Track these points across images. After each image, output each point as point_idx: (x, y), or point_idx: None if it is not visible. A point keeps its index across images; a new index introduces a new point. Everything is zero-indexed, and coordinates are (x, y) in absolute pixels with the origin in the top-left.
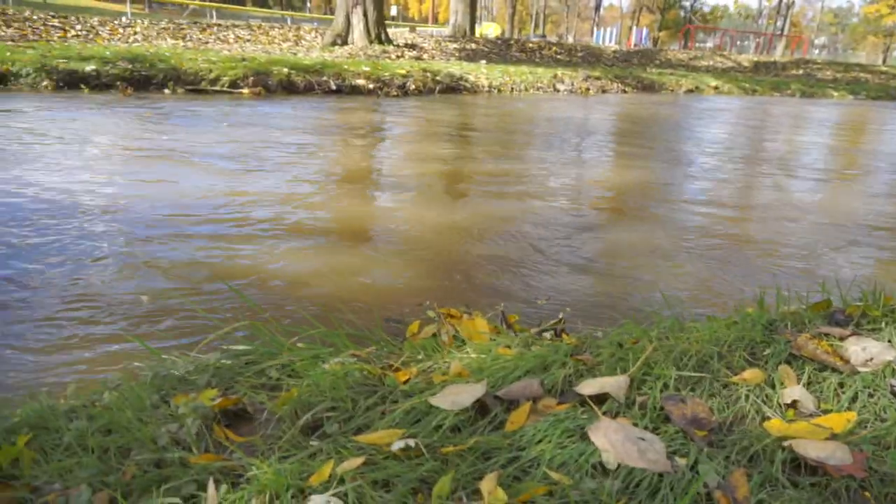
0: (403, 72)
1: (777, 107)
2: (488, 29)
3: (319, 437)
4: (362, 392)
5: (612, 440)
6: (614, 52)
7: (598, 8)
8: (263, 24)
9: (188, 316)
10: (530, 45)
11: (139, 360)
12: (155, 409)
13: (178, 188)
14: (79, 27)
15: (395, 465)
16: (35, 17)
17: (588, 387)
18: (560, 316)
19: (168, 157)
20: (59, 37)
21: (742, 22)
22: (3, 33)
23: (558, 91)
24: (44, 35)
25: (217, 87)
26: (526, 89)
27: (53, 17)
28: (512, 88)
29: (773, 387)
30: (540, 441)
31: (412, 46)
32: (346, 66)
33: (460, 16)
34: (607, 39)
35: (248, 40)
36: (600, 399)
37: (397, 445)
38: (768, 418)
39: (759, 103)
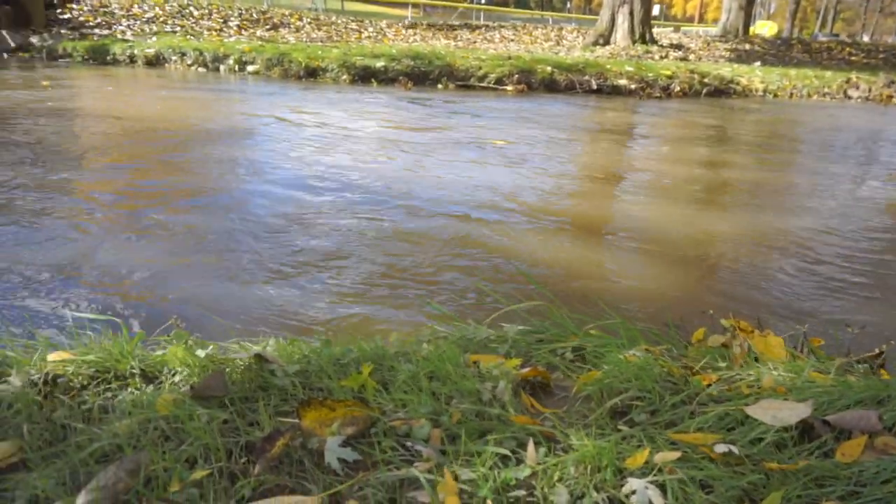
0: (668, 73)
1: None
2: (763, 28)
3: (627, 423)
4: (666, 388)
5: None
6: None
7: None
8: (527, 24)
9: (466, 289)
10: (816, 45)
11: (436, 320)
12: (466, 366)
13: (453, 175)
14: (371, 29)
15: (714, 469)
16: (339, 22)
17: None
18: (880, 349)
19: (454, 146)
20: (356, 38)
21: None
22: (315, 35)
23: (850, 98)
24: (344, 36)
25: (484, 84)
26: (808, 95)
27: (352, 20)
28: (791, 93)
29: None
30: (886, 482)
31: (677, 47)
32: (608, 66)
33: (733, 14)
34: None
35: (512, 40)
36: None
37: (720, 449)
38: None
39: None
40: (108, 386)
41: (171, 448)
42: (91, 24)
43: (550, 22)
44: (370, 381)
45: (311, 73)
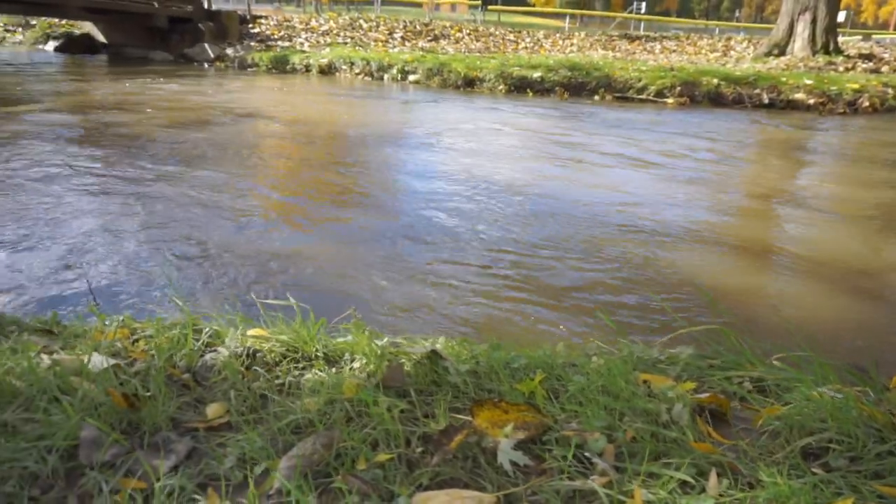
0: (856, 86)
1: None
2: None
3: (822, 466)
4: (869, 434)
5: None
6: None
7: None
8: (691, 34)
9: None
10: None
11: (602, 334)
12: (636, 384)
13: (618, 188)
14: (528, 40)
15: None
16: (497, 33)
17: None
18: None
19: (616, 159)
20: (513, 49)
21: None
22: (473, 46)
23: None
24: (501, 47)
25: (643, 96)
26: None
27: (510, 32)
28: None
29: None
30: None
31: (867, 57)
32: (782, 79)
33: None
34: None
35: (674, 51)
36: None
37: None
38: None
39: None
40: (296, 365)
41: (356, 429)
42: (275, 37)
43: (717, 32)
44: (540, 388)
45: (469, 83)
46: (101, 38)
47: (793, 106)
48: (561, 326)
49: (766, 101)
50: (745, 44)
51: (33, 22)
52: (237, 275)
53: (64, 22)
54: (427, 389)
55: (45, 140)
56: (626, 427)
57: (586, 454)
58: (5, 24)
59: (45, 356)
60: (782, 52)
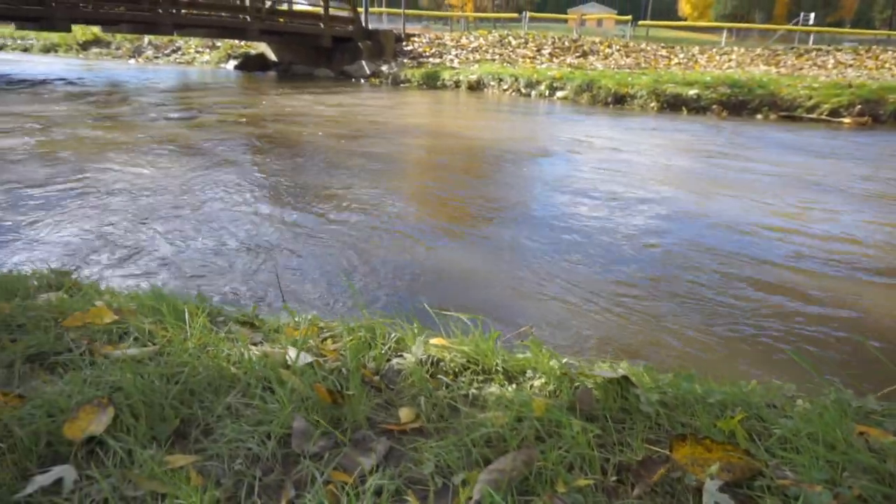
0: None
1: None
2: None
3: None
4: None
5: None
6: None
7: None
8: (872, 46)
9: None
10: None
11: (788, 373)
12: (851, 435)
13: (798, 219)
14: (681, 56)
15: None
16: (647, 49)
17: None
18: None
19: (793, 186)
20: (665, 65)
21: None
22: (623, 62)
23: None
24: (652, 63)
25: (813, 115)
26: None
27: (662, 47)
28: None
29: None
30: None
31: None
32: None
33: None
34: None
35: (850, 65)
36: None
37: None
38: None
39: None
40: (476, 377)
41: (550, 449)
42: (427, 54)
43: None
44: (740, 428)
45: (619, 100)
46: (272, 56)
47: None
48: (737, 361)
49: None
50: None
51: (218, 44)
52: (403, 283)
53: (243, 43)
54: (617, 416)
55: (230, 145)
56: (850, 483)
57: None
58: (196, 47)
59: (253, 347)
60: None
